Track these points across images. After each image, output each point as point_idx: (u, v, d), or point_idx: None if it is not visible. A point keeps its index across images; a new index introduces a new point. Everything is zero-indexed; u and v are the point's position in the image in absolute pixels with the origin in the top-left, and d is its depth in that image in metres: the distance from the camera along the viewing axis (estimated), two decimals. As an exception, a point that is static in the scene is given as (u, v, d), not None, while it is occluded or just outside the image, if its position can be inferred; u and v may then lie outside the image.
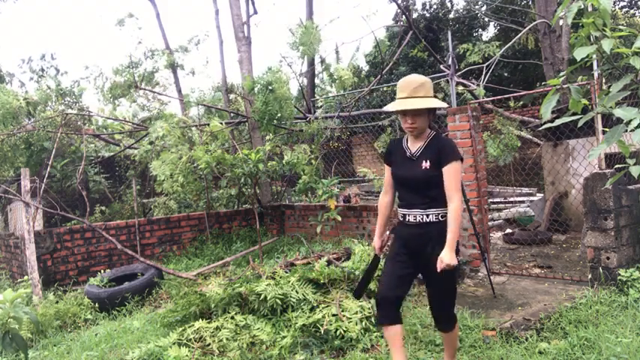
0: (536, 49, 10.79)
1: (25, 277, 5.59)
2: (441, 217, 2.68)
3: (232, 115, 9.46)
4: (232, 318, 4.03)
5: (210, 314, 4.21)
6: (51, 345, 4.43)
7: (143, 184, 9.49)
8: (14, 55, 39.95)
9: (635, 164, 2.05)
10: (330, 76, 9.60)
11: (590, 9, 2.09)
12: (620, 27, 2.11)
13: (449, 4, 15.35)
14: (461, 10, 15.21)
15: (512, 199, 8.57)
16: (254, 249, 6.92)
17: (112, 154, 9.83)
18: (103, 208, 9.08)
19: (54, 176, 8.51)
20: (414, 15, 14.32)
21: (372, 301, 4.08)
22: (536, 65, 11.52)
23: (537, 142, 8.86)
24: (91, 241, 6.63)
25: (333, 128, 8.57)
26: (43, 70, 11.02)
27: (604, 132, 4.48)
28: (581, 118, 2.14)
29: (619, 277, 4.09)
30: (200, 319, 4.05)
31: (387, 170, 2.93)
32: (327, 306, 4.04)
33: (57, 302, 5.35)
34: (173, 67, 12.16)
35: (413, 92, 2.65)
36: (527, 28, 8.28)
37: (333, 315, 3.89)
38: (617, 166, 2.64)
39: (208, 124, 7.72)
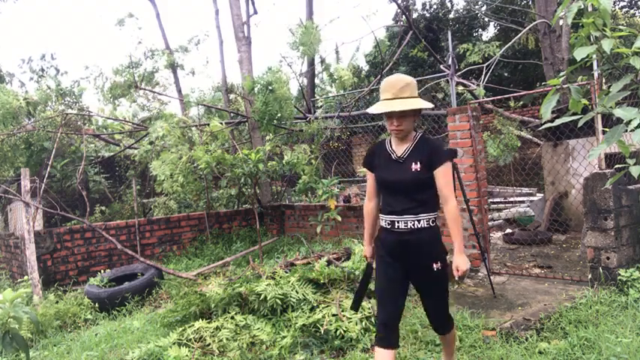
0: (536, 49, 10.79)
1: (25, 277, 5.59)
2: (432, 222, 2.59)
3: (232, 115, 9.46)
4: (232, 318, 4.03)
5: (210, 314, 4.21)
6: (51, 345, 4.43)
7: (143, 184, 9.50)
8: (14, 55, 40.00)
9: (635, 164, 2.04)
10: (330, 76, 9.62)
11: (590, 9, 2.09)
12: (620, 27, 2.11)
13: (449, 4, 15.36)
14: (461, 10, 15.22)
15: (512, 199, 8.57)
16: (254, 249, 6.93)
17: (112, 154, 9.84)
18: (103, 208, 9.09)
19: (54, 176, 8.52)
20: (414, 15, 14.32)
21: (373, 300, 4.08)
22: (536, 65, 11.53)
23: (537, 142, 8.86)
24: (91, 241, 6.63)
25: (333, 128, 8.57)
26: (43, 70, 11.04)
27: (604, 132, 4.48)
28: (581, 118, 2.14)
29: (619, 277, 4.09)
30: (200, 319, 4.05)
31: (370, 176, 2.79)
32: (327, 306, 4.04)
33: (57, 302, 5.35)
34: (173, 67, 12.17)
35: (398, 93, 2.52)
36: (527, 28, 8.28)
37: (333, 315, 3.89)
38: (617, 166, 2.65)
39: (208, 124, 7.72)
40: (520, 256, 6.15)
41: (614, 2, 13.11)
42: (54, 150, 7.45)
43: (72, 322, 5.03)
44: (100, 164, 9.60)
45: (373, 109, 2.58)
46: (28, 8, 34.29)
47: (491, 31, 15.45)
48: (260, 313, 4.09)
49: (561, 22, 7.62)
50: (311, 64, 12.13)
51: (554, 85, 2.32)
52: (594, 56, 2.14)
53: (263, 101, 7.29)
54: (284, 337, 3.74)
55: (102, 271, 6.28)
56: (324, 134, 8.34)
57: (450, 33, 6.60)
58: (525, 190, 8.72)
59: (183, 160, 6.86)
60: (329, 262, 4.95)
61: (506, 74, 13.53)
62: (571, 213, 7.38)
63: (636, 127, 1.84)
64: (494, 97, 6.40)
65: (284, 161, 7.34)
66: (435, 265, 2.57)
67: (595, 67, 4.92)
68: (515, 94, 5.76)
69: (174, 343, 3.72)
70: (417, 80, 2.80)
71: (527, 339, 3.44)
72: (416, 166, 2.56)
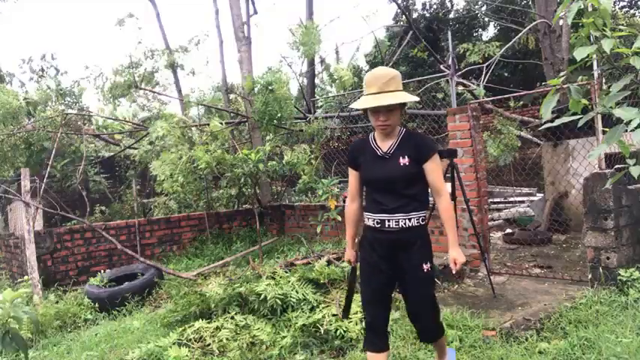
0: (536, 49, 10.80)
1: (25, 277, 5.58)
2: (422, 220, 2.52)
3: (232, 115, 9.46)
4: (232, 318, 4.03)
5: (210, 314, 4.21)
6: (51, 345, 4.43)
7: (143, 184, 9.49)
8: (14, 55, 39.98)
9: (635, 164, 2.04)
10: (330, 76, 9.61)
11: (590, 9, 2.08)
12: (620, 27, 2.11)
13: (449, 4, 15.37)
14: (461, 10, 15.24)
15: (512, 199, 8.58)
16: (254, 249, 6.92)
17: (112, 154, 9.83)
18: (103, 208, 9.08)
19: (54, 176, 8.51)
20: (414, 15, 14.34)
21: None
22: (536, 65, 11.52)
23: (537, 142, 8.86)
24: (91, 241, 6.63)
25: (333, 128, 8.57)
26: (43, 70, 11.01)
27: (604, 132, 4.48)
28: (581, 118, 2.14)
29: (619, 277, 4.08)
30: (200, 319, 4.05)
31: (353, 175, 2.68)
32: (327, 306, 4.04)
33: (57, 302, 5.35)
34: (173, 67, 12.14)
35: (384, 87, 2.41)
36: (527, 28, 8.29)
37: (333, 315, 3.89)
38: (617, 166, 2.65)
39: (208, 124, 7.72)
40: (520, 256, 6.15)
41: (614, 2, 13.11)
42: (54, 150, 7.45)
43: (72, 322, 5.02)
44: (100, 164, 9.59)
45: (359, 105, 2.49)
46: (28, 8, 34.32)
47: (491, 31, 15.47)
48: (260, 313, 4.09)
49: (561, 22, 7.63)
50: (311, 64, 12.12)
51: (554, 85, 2.32)
52: (594, 56, 2.14)
53: (263, 101, 7.28)
54: (284, 337, 3.74)
55: (102, 271, 6.27)
56: (324, 134, 8.33)
57: (450, 33, 6.60)
58: (525, 190, 8.73)
59: (183, 160, 6.85)
60: (329, 262, 4.94)
61: (506, 74, 13.54)
62: (571, 213, 7.38)
63: (636, 127, 1.84)
64: (495, 97, 6.41)
65: (284, 161, 7.33)
66: (424, 266, 2.51)
67: (595, 67, 4.92)
68: (515, 94, 5.77)
69: (174, 343, 3.72)
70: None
71: (527, 339, 3.44)
72: (404, 161, 2.48)
